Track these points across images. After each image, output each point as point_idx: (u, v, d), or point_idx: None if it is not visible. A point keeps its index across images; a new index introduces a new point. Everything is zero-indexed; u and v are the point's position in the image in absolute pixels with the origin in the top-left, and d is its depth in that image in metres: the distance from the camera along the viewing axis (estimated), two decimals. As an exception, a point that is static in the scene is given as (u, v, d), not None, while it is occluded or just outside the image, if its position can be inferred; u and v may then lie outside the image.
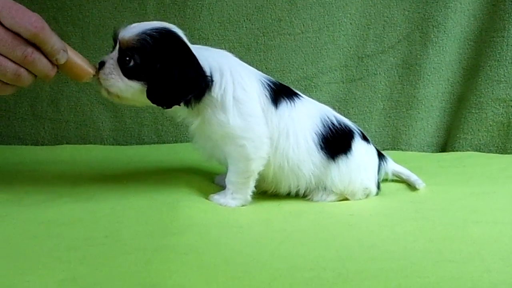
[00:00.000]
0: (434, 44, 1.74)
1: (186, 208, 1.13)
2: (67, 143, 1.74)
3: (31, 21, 1.01)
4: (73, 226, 1.04)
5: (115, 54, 1.14)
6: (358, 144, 1.28)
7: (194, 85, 1.13)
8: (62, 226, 1.03)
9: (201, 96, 1.15)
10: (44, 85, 1.70)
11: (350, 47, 1.76)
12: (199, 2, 1.70)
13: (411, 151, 1.78)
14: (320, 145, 1.22)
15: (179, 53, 1.13)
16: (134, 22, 1.16)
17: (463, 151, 1.76)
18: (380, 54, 1.77)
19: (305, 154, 1.22)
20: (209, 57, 1.17)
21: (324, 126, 1.24)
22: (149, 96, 1.13)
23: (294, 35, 1.74)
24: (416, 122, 1.78)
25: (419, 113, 1.78)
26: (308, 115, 1.24)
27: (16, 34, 1.02)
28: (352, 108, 1.78)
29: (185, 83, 1.12)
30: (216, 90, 1.16)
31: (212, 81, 1.15)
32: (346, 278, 0.87)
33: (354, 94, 1.78)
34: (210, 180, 1.36)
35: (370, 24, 1.75)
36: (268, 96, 1.20)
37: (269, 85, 1.21)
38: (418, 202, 1.27)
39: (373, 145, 1.34)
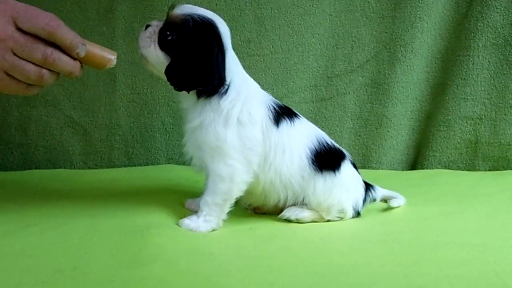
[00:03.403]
0: (402, 63, 1.76)
1: (156, 236, 1.12)
2: (36, 167, 1.72)
3: (46, 21, 1.04)
4: (41, 258, 1.02)
5: (161, 23, 1.20)
6: (347, 166, 1.31)
7: (208, 79, 1.17)
8: (30, 259, 1.02)
9: (210, 94, 1.18)
10: (12, 109, 1.68)
11: (320, 67, 1.78)
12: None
13: (382, 169, 1.80)
14: (312, 159, 1.26)
15: (209, 45, 1.16)
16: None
17: (432, 168, 1.79)
18: (349, 74, 1.78)
19: (297, 169, 1.25)
20: (238, 74, 1.23)
21: (319, 144, 1.28)
22: (166, 72, 1.18)
23: (264, 56, 1.75)
24: (385, 140, 1.80)
25: (388, 131, 1.79)
26: (305, 133, 1.28)
27: (35, 36, 1.04)
28: (323, 127, 1.75)
29: (201, 74, 1.17)
30: (225, 103, 1.19)
31: (225, 86, 1.19)
32: (315, 306, 0.87)
33: (324, 113, 1.80)
34: (181, 204, 1.35)
35: (338, 44, 1.77)
36: (271, 117, 1.24)
37: (274, 108, 1.25)
38: (387, 224, 1.29)
39: (361, 176, 1.36)
